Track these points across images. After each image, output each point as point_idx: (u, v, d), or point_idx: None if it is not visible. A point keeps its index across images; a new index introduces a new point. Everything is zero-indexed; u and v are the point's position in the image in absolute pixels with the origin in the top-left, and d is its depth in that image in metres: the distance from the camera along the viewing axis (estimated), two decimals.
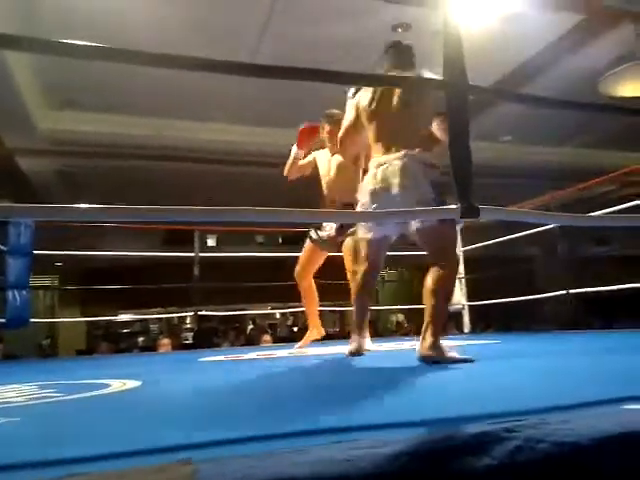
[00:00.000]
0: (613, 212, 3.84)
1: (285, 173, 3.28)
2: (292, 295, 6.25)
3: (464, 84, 0.94)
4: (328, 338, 5.55)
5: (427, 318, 1.91)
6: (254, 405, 1.18)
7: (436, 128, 2.11)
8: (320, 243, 3.27)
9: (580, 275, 4.08)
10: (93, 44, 0.76)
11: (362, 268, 2.32)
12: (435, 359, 1.82)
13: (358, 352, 2.32)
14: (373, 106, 2.21)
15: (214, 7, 4.12)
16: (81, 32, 4.14)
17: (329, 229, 3.24)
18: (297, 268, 3.39)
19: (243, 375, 2.14)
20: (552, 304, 7.53)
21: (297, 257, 5.14)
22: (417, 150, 2.05)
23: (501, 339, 3.70)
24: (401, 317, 12.12)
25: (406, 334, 8.21)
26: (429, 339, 1.86)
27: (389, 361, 2.46)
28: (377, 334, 7.97)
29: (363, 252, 2.30)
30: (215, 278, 5.80)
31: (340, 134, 2.49)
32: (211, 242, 11.21)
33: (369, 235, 2.22)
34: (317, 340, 3.56)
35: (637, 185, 6.87)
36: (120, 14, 4.09)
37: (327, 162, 3.26)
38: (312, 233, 3.31)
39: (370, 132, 2.25)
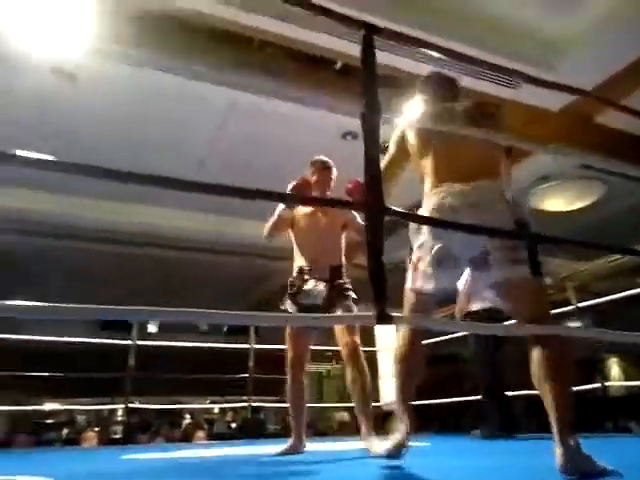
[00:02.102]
0: None
1: (266, 233, 2.78)
2: (233, 389, 6.08)
3: (381, 205, 1.05)
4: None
5: (556, 415, 1.40)
6: None
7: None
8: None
9: (504, 377, 3.98)
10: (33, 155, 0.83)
11: (402, 334, 1.83)
12: (584, 470, 1.31)
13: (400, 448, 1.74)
14: (433, 131, 1.84)
15: (170, 102, 4.31)
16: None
17: (314, 295, 2.60)
18: (289, 361, 2.70)
19: (167, 477, 2.03)
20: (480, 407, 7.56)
21: (241, 349, 5.10)
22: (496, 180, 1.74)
23: (431, 441, 3.65)
24: (346, 416, 11.78)
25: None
26: (571, 442, 1.35)
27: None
28: (317, 433, 7.72)
29: (406, 309, 1.79)
30: (153, 367, 5.57)
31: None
32: (152, 328, 10.88)
33: (427, 287, 1.72)
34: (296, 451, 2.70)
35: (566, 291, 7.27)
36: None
37: (310, 217, 2.79)
38: (288, 306, 2.66)
39: (427, 162, 1.83)
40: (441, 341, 4.57)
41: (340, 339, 2.58)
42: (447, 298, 1.84)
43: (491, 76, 3.70)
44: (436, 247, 1.65)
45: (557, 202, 5.10)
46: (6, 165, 0.80)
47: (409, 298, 1.79)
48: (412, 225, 1.80)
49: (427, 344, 4.53)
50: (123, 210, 5.82)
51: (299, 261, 2.76)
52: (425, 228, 1.71)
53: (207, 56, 3.39)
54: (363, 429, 2.53)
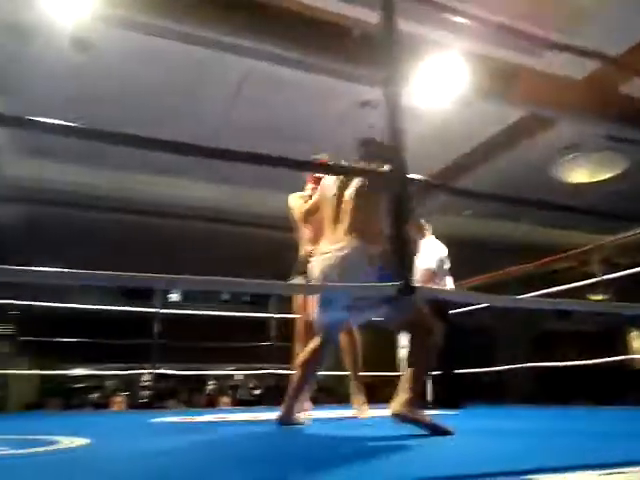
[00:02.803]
0: (568, 289, 3.95)
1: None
2: (257, 356, 6.19)
3: (404, 176, 1.05)
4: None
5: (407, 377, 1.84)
6: (199, 472, 1.19)
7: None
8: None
9: (537, 349, 4.05)
10: (66, 124, 0.86)
11: (314, 343, 2.20)
12: (409, 418, 1.75)
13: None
14: (335, 190, 2.20)
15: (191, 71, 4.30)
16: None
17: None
18: (297, 332, 2.84)
19: (193, 438, 2.11)
20: (510, 377, 7.57)
21: (262, 317, 5.18)
22: (362, 242, 1.97)
23: (460, 412, 3.66)
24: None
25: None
26: (405, 396, 1.77)
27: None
28: (340, 401, 7.85)
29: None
30: (178, 334, 5.70)
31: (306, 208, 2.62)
32: (175, 297, 11.09)
33: (320, 319, 2.14)
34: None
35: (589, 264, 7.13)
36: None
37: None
38: (296, 281, 2.72)
39: (326, 215, 2.21)
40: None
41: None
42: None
43: (514, 43, 3.59)
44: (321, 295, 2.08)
45: (581, 173, 5.00)
46: (29, 130, 0.83)
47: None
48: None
49: None
50: (145, 181, 5.89)
51: (311, 246, 2.72)
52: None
53: (221, 24, 3.35)
54: (355, 392, 2.74)
